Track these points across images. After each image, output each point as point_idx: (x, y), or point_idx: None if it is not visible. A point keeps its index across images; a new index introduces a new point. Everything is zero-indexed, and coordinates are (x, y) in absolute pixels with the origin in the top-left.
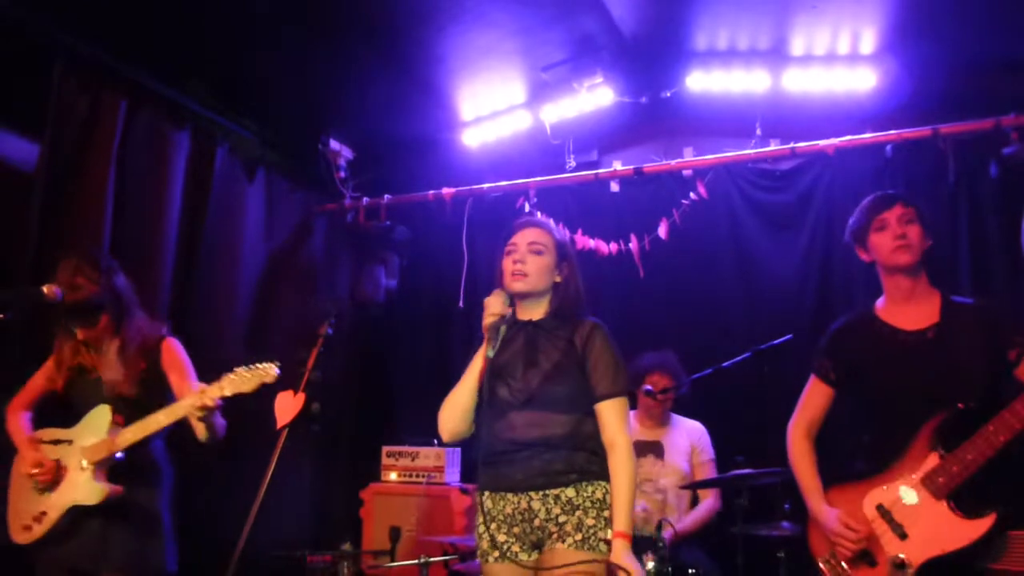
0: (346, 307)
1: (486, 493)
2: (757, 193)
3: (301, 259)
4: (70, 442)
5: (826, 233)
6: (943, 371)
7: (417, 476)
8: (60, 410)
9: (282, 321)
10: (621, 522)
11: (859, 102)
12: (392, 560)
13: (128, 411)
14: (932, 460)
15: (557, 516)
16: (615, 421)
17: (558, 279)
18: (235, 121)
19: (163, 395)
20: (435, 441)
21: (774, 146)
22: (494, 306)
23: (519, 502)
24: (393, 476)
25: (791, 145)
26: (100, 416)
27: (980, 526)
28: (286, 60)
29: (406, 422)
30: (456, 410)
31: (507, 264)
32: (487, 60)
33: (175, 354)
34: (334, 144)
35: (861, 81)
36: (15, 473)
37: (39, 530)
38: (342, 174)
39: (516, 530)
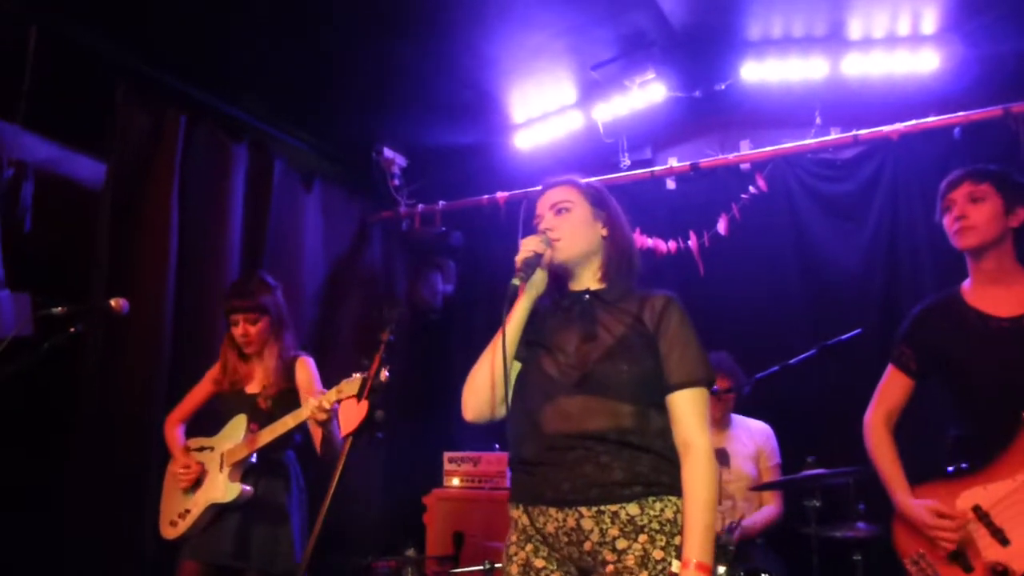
0: (406, 313)
1: (520, 506)
2: (818, 184)
3: (359, 267)
4: (212, 448)
5: (892, 222)
6: None
7: (479, 481)
8: (209, 422)
9: (344, 329)
10: (695, 548)
11: (923, 84)
12: (456, 565)
13: (262, 421)
14: None
15: (615, 540)
16: (693, 417)
17: (603, 232)
18: (290, 133)
19: (294, 409)
20: (496, 446)
21: (835, 135)
22: (531, 243)
23: (565, 519)
24: (455, 481)
25: (853, 133)
26: (238, 424)
27: None
28: (336, 70)
29: (467, 427)
30: (482, 382)
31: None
32: (537, 61)
33: (308, 371)
34: (388, 152)
35: (924, 63)
36: (168, 477)
37: (183, 526)
38: (396, 182)
39: (560, 555)
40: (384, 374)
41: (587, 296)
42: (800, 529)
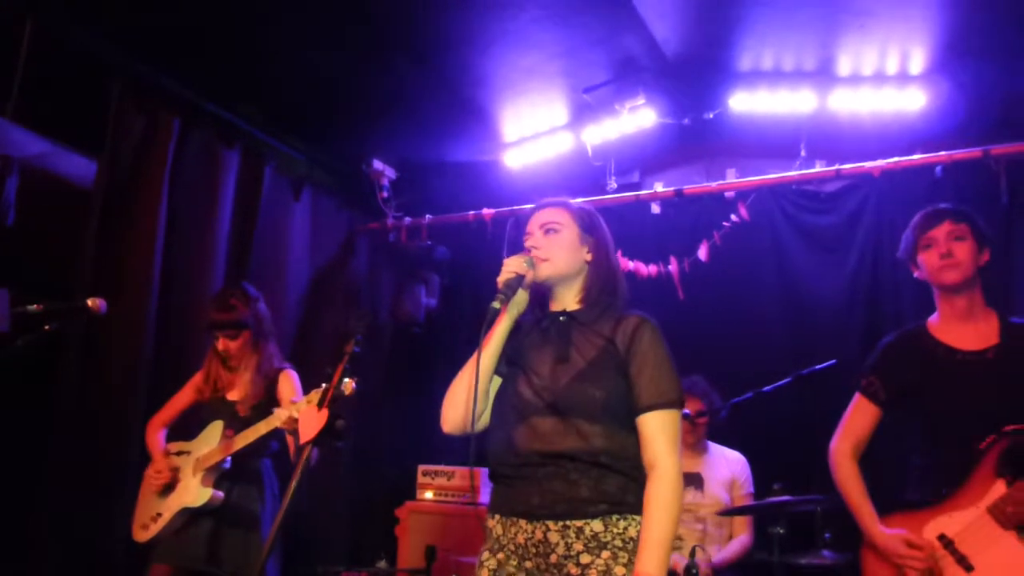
0: (375, 325)
1: (496, 516)
2: (801, 215)
3: (344, 277)
4: (189, 453)
5: (874, 256)
6: (1004, 394)
7: (452, 495)
8: (190, 426)
9: (326, 339)
10: (651, 562)
11: (909, 123)
12: None
13: (239, 428)
14: (999, 488)
15: (579, 555)
16: (662, 437)
17: (588, 257)
18: (283, 140)
19: None
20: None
21: (819, 167)
22: (513, 264)
23: (533, 531)
24: (428, 495)
25: (836, 167)
26: (214, 429)
27: None
28: (332, 81)
29: (442, 441)
30: (461, 396)
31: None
32: (530, 81)
33: (291, 384)
34: (377, 164)
35: (911, 101)
36: (144, 480)
37: (154, 529)
38: (385, 194)
39: (529, 564)
40: (351, 385)
41: (563, 318)
42: (766, 557)
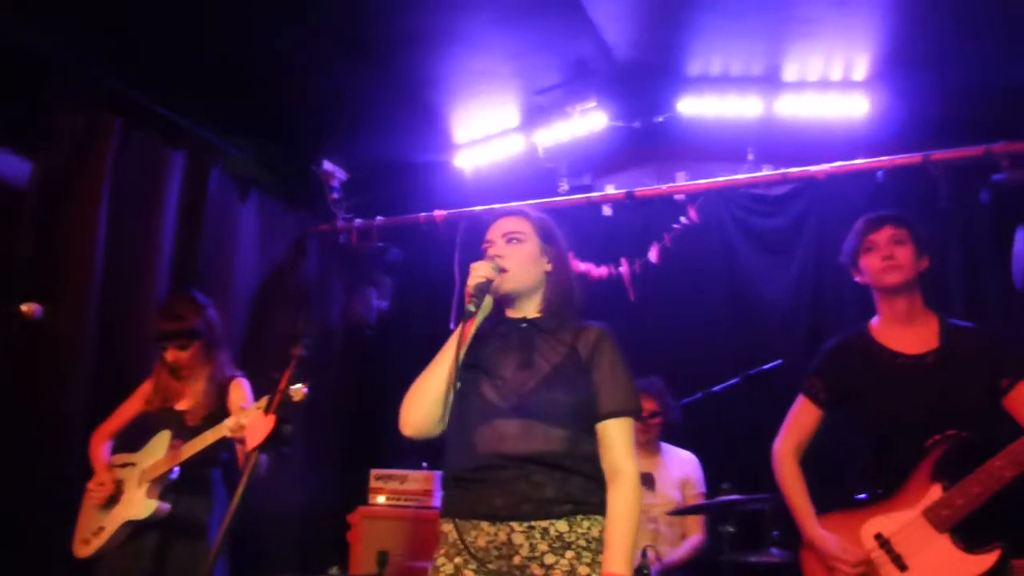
0: (326, 328)
1: (451, 521)
2: (750, 218)
3: (294, 280)
4: (134, 464)
5: (817, 258)
6: (944, 398)
7: (406, 500)
8: (136, 438)
9: (275, 342)
10: (617, 563)
11: (852, 128)
12: None
13: (187, 438)
14: (935, 492)
15: (543, 555)
16: (622, 444)
17: (548, 267)
18: (229, 141)
19: None
20: (424, 464)
21: (766, 171)
22: (482, 269)
23: (496, 533)
24: (381, 499)
25: (782, 171)
26: (161, 440)
27: (985, 561)
28: (280, 81)
29: (395, 445)
30: (426, 399)
31: None
32: (481, 83)
33: (242, 393)
34: (328, 166)
35: (854, 107)
36: (86, 493)
37: (96, 543)
38: (335, 195)
39: (491, 567)
40: (302, 390)
41: (525, 324)
42: (716, 555)
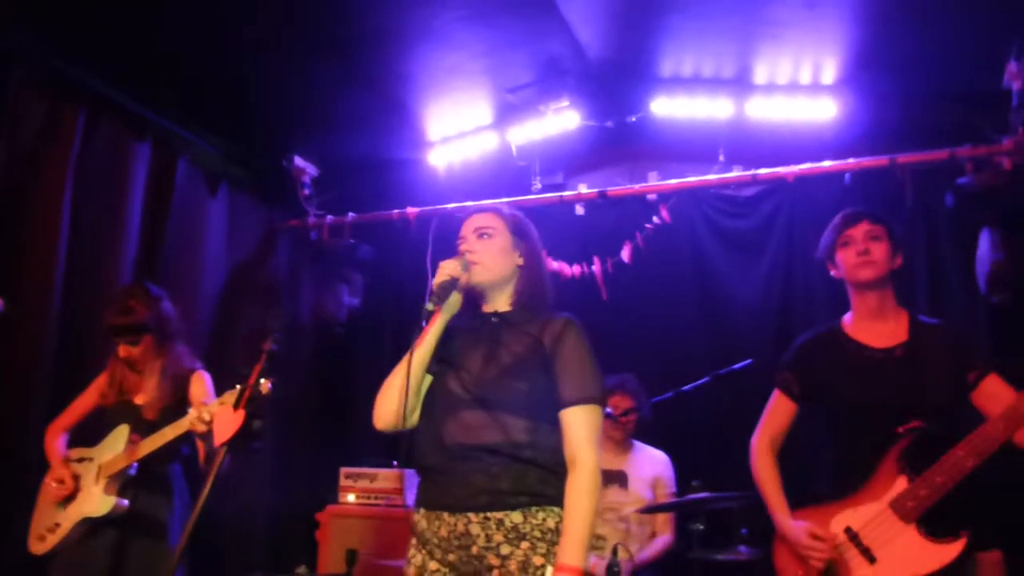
0: (296, 324)
1: (421, 511)
2: (720, 218)
3: (264, 276)
4: (91, 459)
5: (787, 259)
6: (910, 390)
7: (376, 498)
8: (92, 432)
9: (243, 338)
10: (571, 554)
11: (820, 131)
12: None
13: (146, 432)
14: (900, 484)
15: (499, 546)
16: (582, 432)
17: (520, 261)
18: (198, 134)
19: None
20: (394, 463)
21: (736, 172)
22: (448, 267)
23: (456, 523)
24: (351, 498)
25: (752, 172)
26: (119, 435)
27: (951, 550)
28: (251, 75)
29: (365, 443)
30: (393, 393)
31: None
32: (454, 80)
33: (203, 386)
34: (299, 161)
35: (822, 111)
36: (42, 488)
37: (52, 540)
38: (307, 191)
39: (452, 557)
40: (266, 385)
41: (495, 319)
42: (685, 553)
